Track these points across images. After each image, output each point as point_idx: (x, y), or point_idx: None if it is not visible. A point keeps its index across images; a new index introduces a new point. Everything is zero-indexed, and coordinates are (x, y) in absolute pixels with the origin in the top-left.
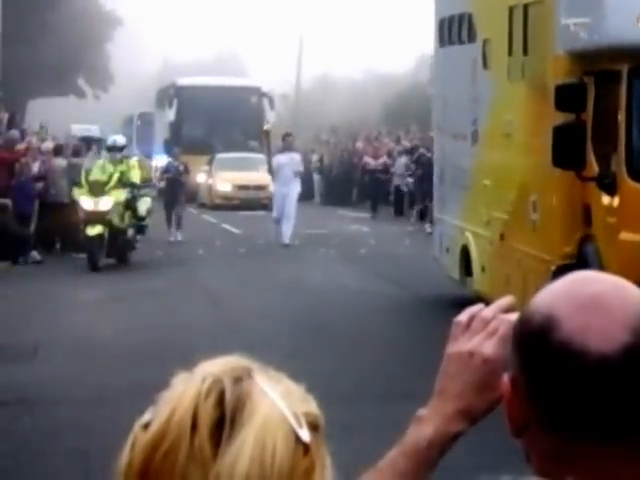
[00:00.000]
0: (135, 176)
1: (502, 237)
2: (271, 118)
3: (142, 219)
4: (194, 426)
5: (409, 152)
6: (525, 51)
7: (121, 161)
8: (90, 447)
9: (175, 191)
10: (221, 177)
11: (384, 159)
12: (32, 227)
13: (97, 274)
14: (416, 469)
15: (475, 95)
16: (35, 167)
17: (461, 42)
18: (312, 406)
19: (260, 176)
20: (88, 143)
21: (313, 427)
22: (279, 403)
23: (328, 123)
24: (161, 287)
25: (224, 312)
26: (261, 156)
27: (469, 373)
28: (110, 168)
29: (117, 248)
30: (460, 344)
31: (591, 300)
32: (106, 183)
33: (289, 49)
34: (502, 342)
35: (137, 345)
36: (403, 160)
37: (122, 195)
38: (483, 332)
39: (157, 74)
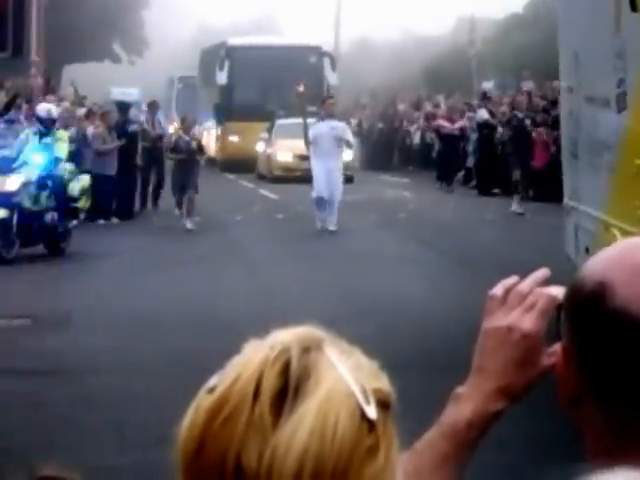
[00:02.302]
0: (62, 150)
1: None
2: (333, 80)
3: (74, 200)
4: (256, 394)
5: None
6: None
7: (49, 133)
8: (125, 418)
9: (187, 172)
10: (281, 146)
11: (461, 122)
12: None
13: (132, 241)
14: (456, 450)
15: (620, 48)
16: (70, 134)
17: None
18: (383, 383)
19: None
20: (123, 107)
21: (382, 404)
22: (347, 377)
23: (367, 86)
24: (198, 254)
25: (261, 279)
26: None
27: (508, 349)
28: (36, 141)
29: (38, 236)
30: (497, 319)
31: None
32: (15, 159)
33: (326, 12)
34: (541, 316)
35: (173, 314)
36: (443, 125)
37: (34, 173)
38: (520, 306)
39: (191, 39)
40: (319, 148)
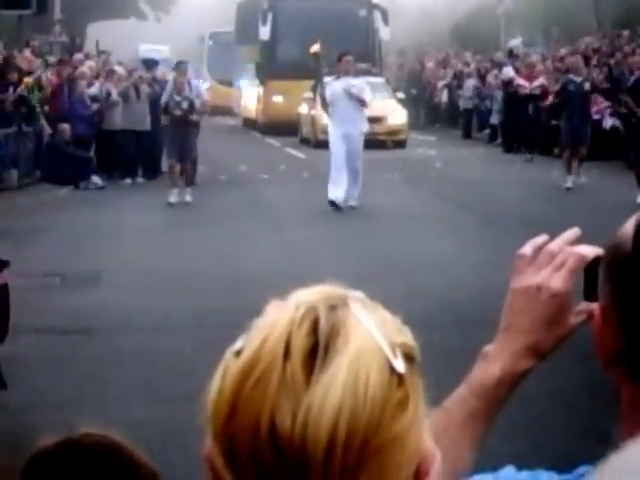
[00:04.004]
0: None
1: None
2: (385, 35)
3: None
4: (286, 354)
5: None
6: None
7: None
8: (153, 376)
9: (181, 137)
10: None
11: (541, 81)
12: (92, 151)
13: (160, 200)
14: (485, 408)
15: None
16: (93, 90)
17: None
18: (408, 337)
19: (376, 105)
20: (150, 65)
21: (408, 358)
22: (374, 332)
23: (396, 45)
24: (224, 213)
25: (287, 238)
26: (379, 80)
27: (537, 308)
28: None
29: None
30: (526, 278)
31: None
32: None
33: None
34: (571, 275)
35: (201, 272)
36: (472, 82)
37: None
38: (550, 265)
39: None
40: (336, 111)
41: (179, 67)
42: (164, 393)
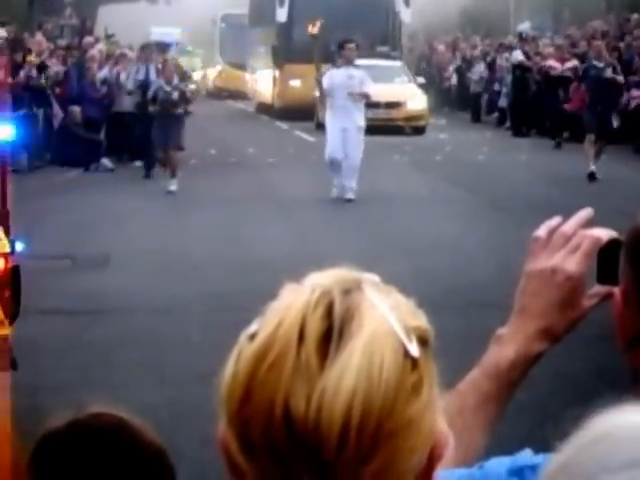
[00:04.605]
0: None
1: None
2: (406, 17)
3: None
4: (301, 337)
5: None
6: None
7: None
8: (161, 357)
9: (167, 127)
10: None
11: (574, 62)
12: (101, 134)
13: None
14: (499, 390)
15: None
16: (103, 73)
17: None
18: (422, 320)
19: (395, 90)
20: (162, 48)
21: (422, 342)
22: (388, 316)
23: (406, 28)
24: (232, 196)
25: (295, 221)
26: (397, 64)
27: (551, 291)
28: None
29: None
30: (541, 261)
31: None
32: None
33: None
34: (586, 258)
35: (208, 255)
36: (481, 66)
37: None
38: (565, 248)
39: None
40: (334, 101)
41: (164, 51)
42: (172, 375)
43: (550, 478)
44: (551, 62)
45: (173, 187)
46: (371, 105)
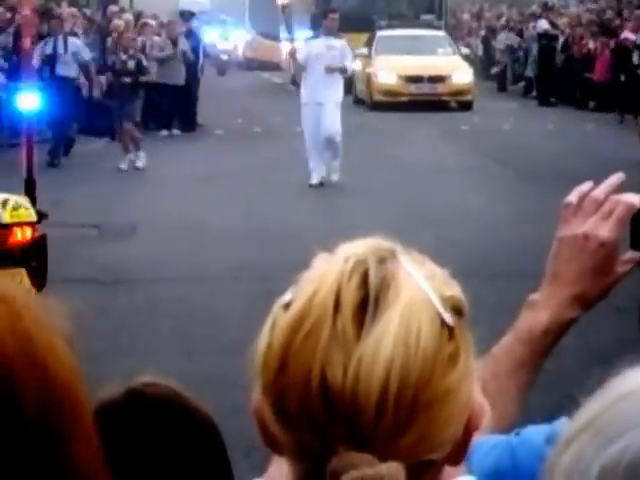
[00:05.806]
0: None
1: None
2: None
3: None
4: (337, 307)
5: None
6: None
7: None
8: (189, 327)
9: (123, 98)
10: (384, 64)
11: None
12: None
13: (196, 152)
14: (532, 356)
15: None
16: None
17: None
18: (456, 290)
19: (439, 62)
20: (186, 17)
21: (457, 311)
22: (424, 285)
23: None
24: (258, 165)
25: (321, 190)
26: (441, 33)
27: (584, 257)
28: None
29: None
30: (573, 227)
31: None
32: None
33: None
34: (619, 224)
35: (236, 225)
36: (504, 35)
37: None
38: (597, 214)
39: None
40: (309, 75)
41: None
42: (199, 344)
43: (574, 435)
44: (626, 33)
45: (141, 163)
46: (414, 79)
